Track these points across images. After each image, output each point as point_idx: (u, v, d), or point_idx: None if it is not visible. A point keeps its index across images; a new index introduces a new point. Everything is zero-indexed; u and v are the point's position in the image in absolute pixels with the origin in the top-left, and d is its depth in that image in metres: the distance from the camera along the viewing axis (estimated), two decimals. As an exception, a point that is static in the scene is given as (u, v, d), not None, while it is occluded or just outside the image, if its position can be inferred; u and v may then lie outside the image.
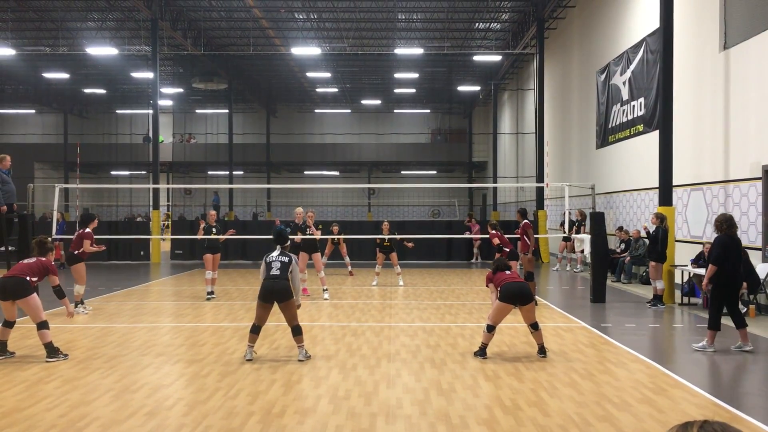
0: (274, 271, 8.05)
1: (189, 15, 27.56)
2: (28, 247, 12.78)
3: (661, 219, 12.57)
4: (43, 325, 8.04)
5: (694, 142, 14.34)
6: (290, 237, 12.32)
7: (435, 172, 47.10)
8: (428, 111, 46.73)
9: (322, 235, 14.47)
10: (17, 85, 40.30)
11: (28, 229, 13.15)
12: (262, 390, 6.78)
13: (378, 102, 43.99)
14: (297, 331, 8.13)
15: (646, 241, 14.22)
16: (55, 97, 42.51)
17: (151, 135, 28.60)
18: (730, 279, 8.59)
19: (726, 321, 9.00)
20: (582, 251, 19.42)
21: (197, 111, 45.64)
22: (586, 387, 6.94)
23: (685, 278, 13.09)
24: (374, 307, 12.53)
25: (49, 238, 8.97)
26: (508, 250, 12.38)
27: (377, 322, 10.85)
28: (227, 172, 39.87)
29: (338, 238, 17.42)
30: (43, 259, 8.46)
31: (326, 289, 13.80)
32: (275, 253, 8.25)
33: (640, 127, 17.10)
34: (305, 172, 47.14)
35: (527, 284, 8.54)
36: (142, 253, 23.28)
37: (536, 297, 12.75)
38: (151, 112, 26.82)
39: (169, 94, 39.52)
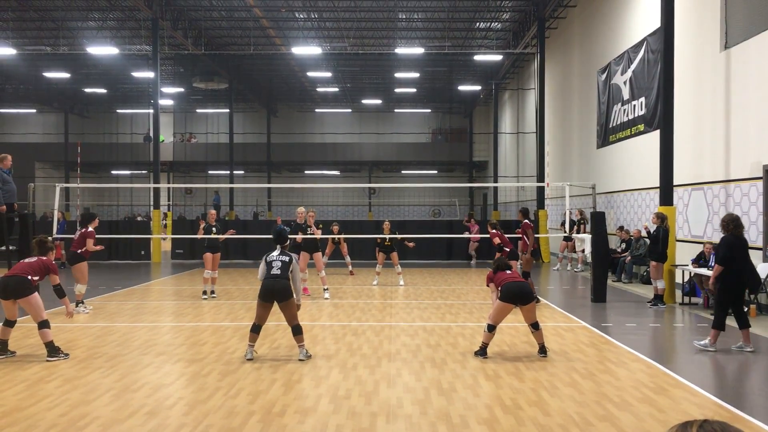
0: (275, 271, 8.05)
1: (190, 14, 27.55)
2: (28, 247, 12.79)
3: (661, 219, 12.57)
4: (44, 324, 8.04)
5: (694, 141, 14.34)
6: (291, 237, 12.35)
7: (435, 171, 47.09)
8: (429, 111, 46.72)
9: (322, 234, 14.47)
10: (18, 85, 40.30)
11: (29, 229, 13.15)
12: (263, 389, 6.79)
13: (378, 102, 43.98)
14: (297, 331, 8.13)
15: (647, 240, 14.22)
16: (56, 96, 42.50)
17: (151, 134, 28.59)
18: (737, 279, 8.57)
19: (729, 321, 8.99)
20: (583, 251, 19.42)
21: (198, 110, 45.64)
22: (587, 386, 6.93)
23: (686, 278, 13.08)
24: (375, 307, 12.53)
25: (50, 238, 8.98)
26: (508, 249, 12.38)
27: (378, 322, 10.85)
28: (228, 172, 39.87)
29: (339, 238, 17.42)
30: (44, 258, 8.47)
31: (327, 289, 13.80)
32: (275, 253, 8.25)
33: (641, 127, 17.10)
34: (306, 172, 47.14)
35: (528, 284, 8.54)
36: (142, 252, 23.29)
37: (538, 297, 12.80)
38: (151, 111, 26.80)
39: (169, 93, 39.50)
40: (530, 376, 7.33)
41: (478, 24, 29.01)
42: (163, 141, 37.29)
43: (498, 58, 31.32)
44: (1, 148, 18.18)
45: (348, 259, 18.14)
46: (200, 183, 45.80)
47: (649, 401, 6.43)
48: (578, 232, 19.50)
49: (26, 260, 8.47)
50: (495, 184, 36.82)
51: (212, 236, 13.49)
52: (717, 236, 13.12)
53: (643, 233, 15.88)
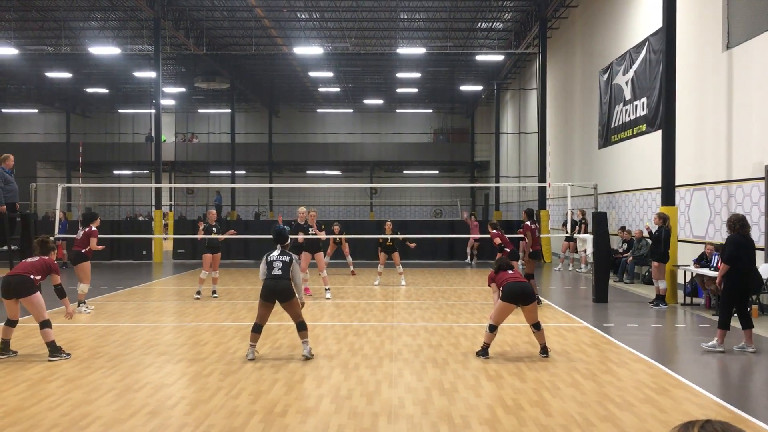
0: (276, 271, 8.06)
1: (191, 14, 27.57)
2: (30, 247, 12.82)
3: (663, 219, 12.55)
4: (45, 324, 8.05)
5: (696, 142, 14.32)
6: (293, 237, 12.35)
7: (437, 171, 47.09)
8: (430, 111, 46.71)
9: (325, 235, 14.48)
10: (20, 85, 40.34)
11: (31, 229, 13.17)
12: (264, 389, 6.79)
13: (380, 102, 43.98)
14: (302, 327, 8.16)
15: (649, 241, 14.20)
16: (58, 96, 42.54)
17: (153, 134, 28.62)
18: (743, 279, 8.55)
19: (731, 321, 8.97)
20: (585, 251, 19.40)
21: (199, 110, 45.66)
22: (589, 387, 6.93)
23: (688, 278, 13.07)
24: (376, 307, 12.53)
25: (51, 238, 8.99)
26: (508, 250, 12.37)
27: (379, 322, 10.85)
28: (229, 172, 39.88)
29: (340, 238, 17.42)
30: (46, 257, 8.48)
31: (328, 289, 13.80)
32: (276, 253, 8.25)
33: (643, 127, 17.08)
34: (307, 172, 47.15)
35: (530, 284, 8.53)
36: (144, 252, 23.31)
37: (539, 297, 12.79)
38: (153, 111, 26.84)
39: (171, 93, 39.54)
40: (532, 377, 7.33)
41: (479, 24, 29.00)
42: (164, 141, 37.33)
43: (500, 58, 31.31)
44: (3, 148, 18.20)
45: (350, 259, 18.14)
46: (202, 183, 45.82)
47: (650, 401, 6.43)
48: (579, 232, 19.49)
49: (28, 260, 8.49)
50: (497, 185, 36.76)
51: (212, 236, 13.49)
52: (719, 237, 13.12)
53: (645, 233, 15.87)
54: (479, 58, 31.32)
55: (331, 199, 45.54)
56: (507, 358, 8.23)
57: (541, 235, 13.22)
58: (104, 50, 28.70)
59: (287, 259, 8.16)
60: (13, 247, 13.46)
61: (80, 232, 12.17)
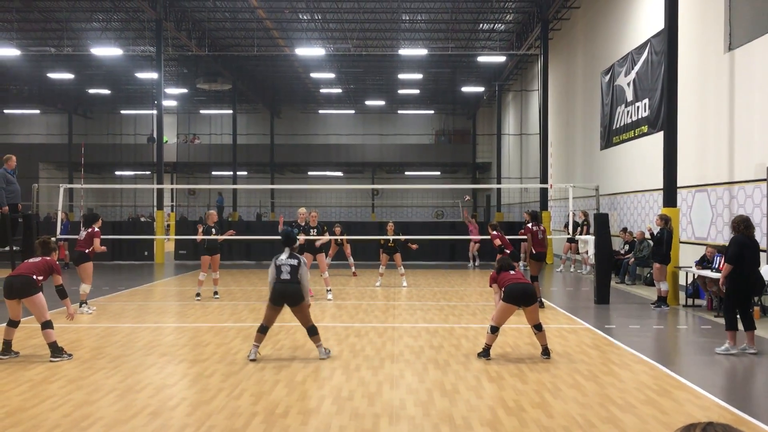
0: (285, 276, 8.06)
1: (193, 16, 27.60)
2: (32, 247, 12.84)
3: (665, 220, 12.54)
4: (47, 325, 8.06)
5: (698, 143, 14.31)
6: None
7: (439, 173, 47.09)
8: (432, 112, 46.72)
9: (328, 237, 14.48)
10: (22, 86, 40.40)
11: (33, 229, 13.20)
12: (266, 390, 6.79)
13: (382, 103, 43.98)
14: (313, 331, 8.18)
15: (650, 242, 14.19)
16: (60, 97, 42.59)
17: (155, 135, 28.65)
18: (746, 280, 8.54)
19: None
20: (586, 252, 19.39)
21: (201, 111, 45.71)
22: (590, 388, 6.92)
23: (690, 280, 13.06)
24: (378, 308, 12.53)
25: (53, 238, 9.00)
26: (509, 251, 12.37)
27: (381, 323, 10.85)
28: (231, 173, 39.91)
29: (342, 239, 17.42)
30: (48, 258, 8.50)
31: (330, 290, 13.81)
32: (284, 256, 8.24)
33: (645, 128, 17.07)
34: (309, 173, 47.17)
35: (531, 285, 8.52)
36: (146, 253, 23.32)
37: (542, 299, 12.78)
38: (155, 112, 26.90)
39: (173, 94, 39.57)
40: (533, 378, 7.32)
41: (481, 25, 29.00)
42: (166, 142, 37.32)
43: (501, 59, 31.30)
44: (5, 149, 18.22)
45: (351, 260, 18.14)
46: (203, 184, 45.89)
47: (652, 403, 6.42)
48: (581, 233, 19.46)
49: (30, 260, 8.50)
50: (498, 186, 36.80)
51: (211, 237, 13.48)
52: (720, 238, 13.11)
53: (647, 235, 15.86)
54: (481, 59, 31.31)
55: (332, 200, 45.57)
56: (508, 360, 8.23)
57: (546, 237, 13.10)
58: (106, 51, 28.72)
59: (295, 262, 8.16)
60: (15, 248, 13.50)
61: (83, 233, 12.18)
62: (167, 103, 38.84)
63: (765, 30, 11.88)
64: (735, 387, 7.57)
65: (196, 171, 47.05)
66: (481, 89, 38.28)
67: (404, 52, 29.41)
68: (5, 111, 45.01)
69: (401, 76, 34.75)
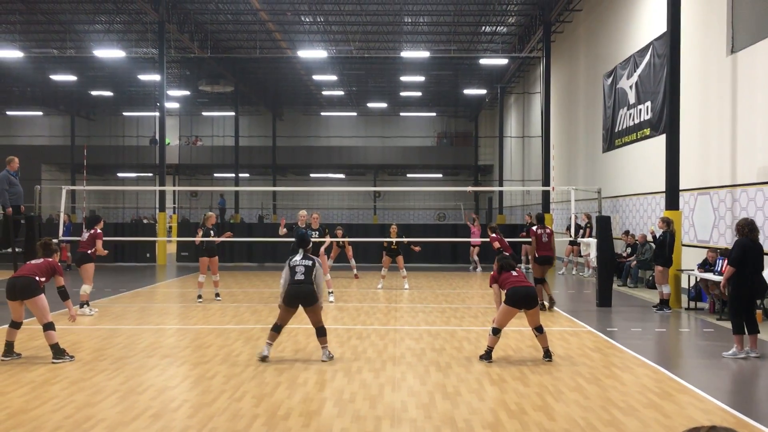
0: (299, 276, 8.08)
1: (196, 18, 27.63)
2: (34, 249, 12.85)
3: (667, 223, 12.53)
4: (49, 326, 8.07)
5: (701, 146, 14.30)
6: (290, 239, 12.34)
7: (441, 175, 47.08)
8: (434, 114, 46.72)
9: (330, 239, 14.48)
10: (25, 87, 40.47)
11: (35, 231, 13.21)
12: (267, 392, 6.79)
13: (384, 105, 43.99)
14: (322, 332, 8.21)
15: (653, 245, 14.18)
16: (63, 99, 42.66)
17: (157, 137, 28.69)
18: (749, 283, 8.52)
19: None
20: (588, 255, 19.36)
21: (203, 113, 45.73)
22: (592, 391, 6.91)
23: (692, 283, 13.03)
24: (379, 310, 12.52)
25: (54, 240, 9.02)
26: (507, 254, 12.33)
27: (382, 325, 10.84)
28: (233, 175, 39.94)
29: (343, 241, 17.42)
30: (50, 259, 8.51)
31: (332, 292, 13.80)
32: (298, 257, 8.26)
33: (647, 131, 17.06)
34: (311, 175, 47.18)
35: (534, 288, 8.50)
36: (148, 255, 23.34)
37: (544, 303, 12.74)
38: (157, 114, 26.92)
39: (175, 96, 39.61)
40: (535, 381, 7.31)
41: (483, 28, 29.01)
42: (168, 144, 37.35)
43: (504, 61, 31.30)
44: (7, 151, 18.25)
45: (353, 262, 18.14)
46: (206, 186, 45.93)
47: (654, 406, 6.41)
48: (584, 236, 19.43)
49: (33, 261, 8.51)
50: (500, 188, 36.76)
51: (209, 239, 13.48)
52: (723, 241, 13.10)
53: (649, 238, 15.84)
54: (483, 61, 31.30)
55: (334, 203, 45.57)
56: (510, 362, 8.22)
57: (552, 241, 13.00)
58: (109, 53, 28.78)
59: (309, 263, 8.18)
60: (17, 250, 13.52)
61: (85, 235, 12.21)
62: (169, 105, 38.88)
63: (767, 33, 11.87)
64: (738, 390, 7.56)
65: (198, 173, 47.09)
66: (483, 92, 38.28)
67: (406, 54, 29.42)
68: (8, 113, 45.07)
69: (403, 78, 34.76)
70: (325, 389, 6.95)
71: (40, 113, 45.40)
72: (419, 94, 40.75)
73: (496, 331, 8.24)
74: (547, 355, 8.24)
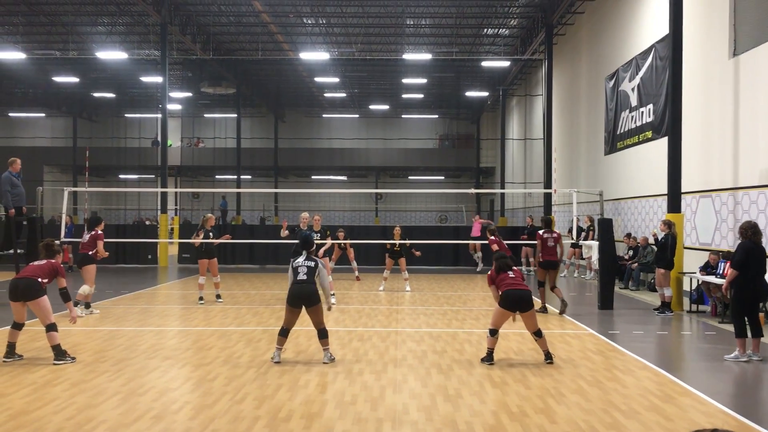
0: (301, 277, 8.11)
1: (198, 20, 27.67)
2: (36, 250, 12.86)
3: (669, 226, 12.51)
4: (52, 327, 8.08)
5: (703, 148, 14.29)
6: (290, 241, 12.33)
7: (442, 177, 47.07)
8: (436, 116, 46.73)
9: (331, 240, 14.48)
10: (27, 89, 40.53)
11: (37, 232, 13.23)
12: (269, 394, 6.79)
13: (386, 107, 44.01)
14: (323, 334, 8.21)
15: (654, 248, 14.16)
16: (65, 100, 42.71)
17: (159, 139, 28.70)
18: (751, 286, 8.51)
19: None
20: (590, 257, 19.34)
21: (205, 115, 45.79)
22: (594, 394, 6.91)
23: (694, 286, 13.01)
24: (381, 313, 12.52)
25: (56, 241, 9.03)
26: (506, 255, 12.29)
27: (384, 328, 10.84)
28: (235, 177, 39.96)
29: (345, 243, 17.41)
30: (53, 260, 8.52)
31: (333, 294, 13.75)
32: (301, 258, 8.30)
33: (649, 134, 17.05)
34: (313, 177, 47.21)
35: (528, 291, 8.38)
36: (149, 256, 23.34)
37: (545, 306, 12.73)
38: (159, 116, 26.91)
39: (177, 98, 39.67)
40: (537, 383, 7.31)
41: (485, 30, 29.01)
42: (170, 145, 37.40)
43: (505, 64, 31.30)
44: (10, 152, 18.29)
45: (354, 264, 18.13)
46: (207, 187, 45.95)
47: (656, 409, 6.40)
48: (585, 238, 19.41)
49: (35, 263, 8.52)
50: (502, 191, 36.75)
51: (208, 240, 13.49)
52: (725, 244, 13.08)
53: (651, 240, 15.82)
54: (485, 64, 31.31)
55: (336, 205, 45.57)
56: (512, 365, 8.21)
57: (558, 245, 12.89)
58: (111, 55, 28.83)
59: (312, 264, 8.22)
60: (19, 251, 13.53)
61: (86, 236, 12.22)
62: (171, 106, 38.94)
63: (770, 36, 11.86)
64: (740, 393, 7.54)
65: (200, 174, 47.11)
66: (485, 94, 38.28)
67: (408, 56, 29.43)
68: (10, 114, 45.15)
69: (405, 80, 34.76)
70: (326, 391, 6.94)
71: (43, 115, 45.47)
72: (421, 96, 40.76)
73: (493, 332, 8.25)
74: (548, 357, 8.24)
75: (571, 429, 5.79)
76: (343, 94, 41.26)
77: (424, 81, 35.09)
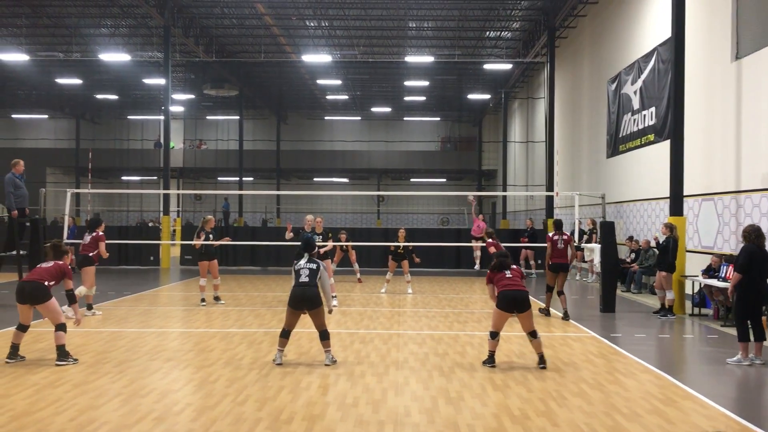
0: (303, 279, 8.13)
1: (201, 22, 27.72)
2: (39, 251, 12.89)
3: (670, 229, 12.51)
4: (61, 328, 8.12)
5: (705, 152, 14.28)
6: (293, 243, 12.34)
7: (444, 180, 47.06)
8: (438, 119, 46.76)
9: (333, 243, 14.49)
10: (30, 91, 40.63)
11: (40, 234, 13.25)
12: (271, 396, 6.79)
13: (388, 109, 44.05)
14: (325, 336, 8.22)
15: (656, 251, 14.15)
16: (68, 102, 42.82)
17: (162, 141, 28.74)
18: (755, 290, 8.50)
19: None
20: (592, 260, 19.32)
21: (208, 117, 45.86)
22: (596, 397, 6.90)
23: (696, 289, 13.00)
24: (383, 315, 12.52)
25: (64, 242, 9.05)
26: (506, 255, 12.26)
27: (386, 330, 10.84)
28: (237, 179, 40.00)
29: (347, 246, 17.42)
30: (61, 262, 8.54)
31: (335, 296, 13.79)
32: (303, 261, 8.32)
33: (651, 137, 17.05)
34: (315, 179, 47.26)
35: (525, 291, 8.34)
36: (152, 258, 23.36)
37: (549, 308, 12.70)
38: (162, 118, 26.99)
39: (180, 100, 39.72)
40: (538, 386, 7.30)
41: (488, 33, 29.04)
42: (173, 147, 37.50)
43: (508, 67, 31.31)
44: (13, 154, 18.33)
45: (356, 266, 18.14)
46: (210, 189, 46.02)
47: (658, 412, 6.39)
48: (588, 241, 19.40)
49: (43, 265, 8.51)
50: (504, 193, 36.77)
51: (208, 242, 13.51)
52: (727, 247, 13.07)
53: (652, 243, 15.81)
54: (487, 66, 31.32)
55: (338, 207, 45.62)
56: (513, 368, 8.21)
57: (569, 248, 12.79)
58: (114, 57, 28.89)
59: (314, 266, 8.24)
60: (22, 252, 13.55)
61: (87, 237, 12.25)
62: (174, 108, 38.97)
63: (772, 39, 11.86)
64: (742, 397, 7.53)
65: (203, 176, 47.19)
66: (487, 96, 38.29)
67: (411, 59, 29.46)
68: (13, 116, 45.26)
69: (407, 82, 34.80)
70: (328, 393, 6.94)
71: (46, 116, 45.60)
72: (423, 98, 40.80)
73: (494, 335, 8.24)
74: (542, 361, 8.16)
75: (572, 432, 5.79)
76: (346, 97, 41.31)
77: (426, 83, 35.12)
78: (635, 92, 18.19)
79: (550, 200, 24.56)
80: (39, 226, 13.43)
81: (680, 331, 11.37)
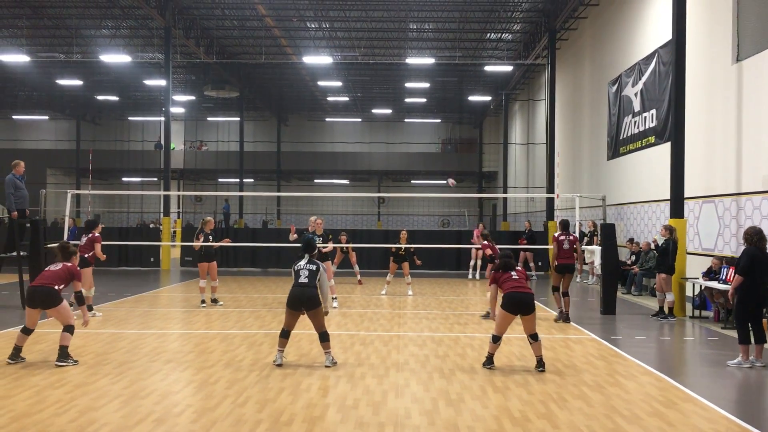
0: (302, 279, 8.13)
1: (202, 23, 27.74)
2: (39, 253, 12.91)
3: (670, 231, 12.50)
4: (69, 329, 8.14)
5: (706, 154, 14.28)
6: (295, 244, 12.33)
7: (445, 181, 47.00)
8: (439, 120, 46.77)
9: (333, 244, 14.48)
10: (31, 92, 40.66)
11: (40, 235, 13.25)
12: (271, 398, 6.79)
13: (389, 111, 44.07)
14: (324, 338, 8.21)
15: (656, 253, 14.15)
16: (68, 103, 42.84)
17: (162, 142, 28.75)
18: (756, 292, 8.50)
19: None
20: (592, 263, 19.32)
21: (209, 118, 45.87)
22: (596, 399, 6.89)
23: (697, 291, 12.99)
24: (383, 316, 12.51)
25: (70, 243, 9.07)
26: (509, 255, 12.24)
27: (386, 332, 10.83)
28: (238, 180, 39.99)
29: (347, 247, 17.42)
30: (69, 264, 8.54)
31: (335, 298, 13.79)
32: (303, 262, 8.31)
33: (652, 139, 17.05)
34: (315, 181, 47.27)
35: (531, 293, 8.32)
36: (152, 259, 23.35)
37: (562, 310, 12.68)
38: (162, 119, 26.99)
39: (181, 101, 39.75)
40: (539, 388, 7.30)
41: (488, 35, 29.05)
42: (173, 149, 37.47)
43: (508, 68, 31.33)
44: (13, 155, 18.33)
45: (356, 268, 18.13)
46: (210, 191, 46.02)
47: (658, 415, 6.39)
48: (588, 243, 19.39)
49: (51, 268, 8.49)
50: (504, 195, 36.77)
51: (207, 243, 13.51)
52: (728, 250, 13.06)
53: (653, 246, 15.80)
54: (488, 68, 31.34)
55: (338, 208, 45.63)
56: (514, 370, 8.20)
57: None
58: (115, 58, 28.89)
59: (314, 267, 8.23)
60: (22, 253, 13.54)
61: (83, 238, 12.27)
62: (175, 109, 39.01)
63: (773, 41, 11.86)
64: (742, 400, 7.53)
65: (203, 178, 47.21)
66: (488, 98, 38.31)
67: (411, 60, 29.46)
68: (14, 117, 45.29)
69: (408, 84, 34.82)
70: (328, 395, 6.94)
71: (46, 117, 45.62)
72: (424, 100, 40.80)
73: (496, 339, 8.22)
74: (540, 365, 8.14)
75: (573, 434, 5.78)
76: (346, 98, 41.32)
77: (426, 85, 35.13)
78: (636, 94, 18.19)
79: (550, 202, 24.56)
80: (39, 228, 13.42)
81: (681, 333, 11.36)
